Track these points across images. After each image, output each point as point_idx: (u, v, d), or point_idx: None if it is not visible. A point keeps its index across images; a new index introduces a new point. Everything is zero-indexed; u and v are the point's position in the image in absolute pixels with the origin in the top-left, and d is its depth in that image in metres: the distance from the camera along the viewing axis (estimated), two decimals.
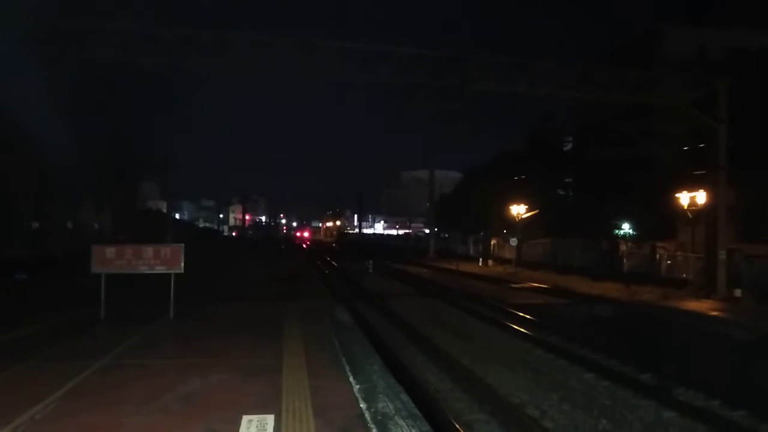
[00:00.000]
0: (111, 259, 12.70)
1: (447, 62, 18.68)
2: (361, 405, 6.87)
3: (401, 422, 6.52)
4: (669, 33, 36.33)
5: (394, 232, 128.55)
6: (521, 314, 17.43)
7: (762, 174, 25.45)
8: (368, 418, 6.43)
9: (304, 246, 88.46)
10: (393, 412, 6.86)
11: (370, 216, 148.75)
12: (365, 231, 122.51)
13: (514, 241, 35.13)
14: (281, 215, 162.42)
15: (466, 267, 36.00)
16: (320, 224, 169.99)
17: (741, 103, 22.71)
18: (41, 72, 17.27)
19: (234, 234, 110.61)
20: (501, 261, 39.19)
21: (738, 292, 19.69)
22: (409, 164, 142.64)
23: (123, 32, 16.60)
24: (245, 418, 6.26)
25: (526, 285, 26.06)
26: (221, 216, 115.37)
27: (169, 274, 12.92)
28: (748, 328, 15.01)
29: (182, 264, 12.87)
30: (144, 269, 12.85)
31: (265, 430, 5.96)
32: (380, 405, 7.06)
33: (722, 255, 20.29)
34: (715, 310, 17.66)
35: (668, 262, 25.86)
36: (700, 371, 11.07)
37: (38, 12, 16.10)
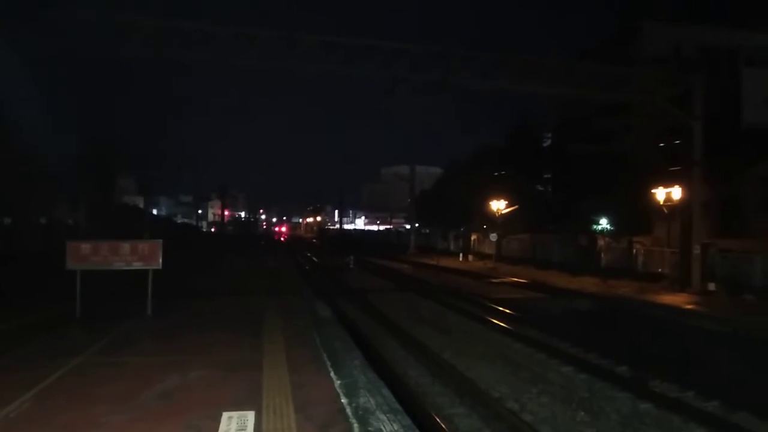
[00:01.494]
0: (86, 256, 12.48)
1: (429, 57, 18.67)
2: (342, 400, 6.86)
3: (382, 416, 6.53)
4: (646, 30, 36.79)
5: (374, 227, 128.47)
6: (501, 309, 17.58)
7: (735, 170, 26.01)
8: (349, 413, 6.43)
9: (282, 240, 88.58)
10: (374, 406, 6.87)
11: (350, 211, 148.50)
12: (346, 227, 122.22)
13: (494, 237, 35.37)
14: (261, 211, 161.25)
15: (446, 262, 36.19)
16: (300, 220, 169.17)
17: (716, 100, 23.14)
18: (16, 64, 16.84)
19: (213, 230, 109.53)
20: (481, 256, 39.46)
21: (712, 286, 20.09)
22: (390, 160, 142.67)
23: (101, 22, 16.24)
24: (225, 415, 6.21)
25: (506, 280, 26.28)
26: (200, 211, 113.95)
27: (147, 271, 12.75)
28: (721, 321, 15.35)
29: (160, 260, 12.70)
30: (121, 265, 12.65)
31: (246, 426, 5.92)
32: (361, 400, 7.07)
33: (697, 250, 20.68)
34: (689, 303, 18.01)
35: (643, 257, 26.27)
36: (674, 363, 11.28)
37: (16, 3, 15.68)
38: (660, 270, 24.14)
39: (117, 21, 16.32)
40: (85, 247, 12.63)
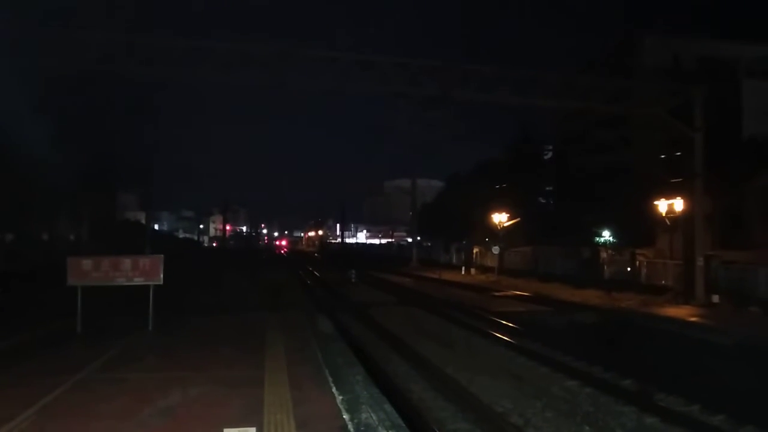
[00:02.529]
0: (87, 271, 12.47)
1: (428, 71, 18.79)
2: (344, 416, 6.81)
3: None
4: (645, 43, 37.09)
5: (376, 241, 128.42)
6: (504, 322, 17.49)
7: (737, 181, 26.00)
8: (351, 430, 6.37)
9: (283, 252, 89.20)
10: (376, 422, 6.80)
11: (352, 225, 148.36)
12: (348, 240, 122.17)
13: (496, 250, 35.28)
14: (262, 225, 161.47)
15: (448, 276, 36.06)
16: (302, 234, 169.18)
17: (716, 111, 23.20)
18: (18, 81, 16.99)
19: (214, 244, 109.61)
20: (483, 269, 39.33)
21: (716, 298, 19.97)
22: (392, 173, 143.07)
23: (101, 41, 16.41)
24: None
25: (509, 293, 26.16)
26: (201, 226, 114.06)
27: (148, 286, 12.73)
28: (725, 334, 15.23)
29: (161, 275, 12.68)
30: (122, 281, 12.64)
31: None
32: (363, 416, 7.00)
33: (700, 261, 20.59)
34: (693, 316, 17.89)
35: (647, 269, 26.16)
36: (680, 376, 11.18)
37: (17, 20, 15.88)
38: (663, 282, 24.02)
39: (117, 40, 16.48)
40: (86, 262, 12.63)
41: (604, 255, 30.06)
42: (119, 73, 18.06)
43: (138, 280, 12.65)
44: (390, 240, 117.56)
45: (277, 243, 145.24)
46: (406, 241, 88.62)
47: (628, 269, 27.07)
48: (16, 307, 16.49)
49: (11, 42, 15.56)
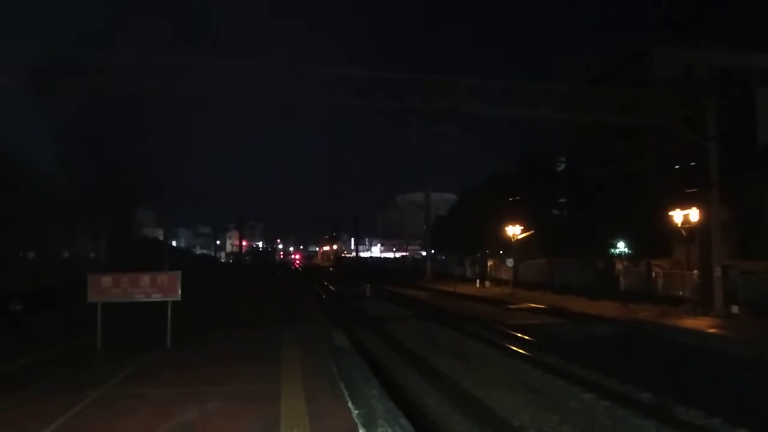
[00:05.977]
0: (107, 288, 12.70)
1: (439, 86, 18.93)
2: (360, 430, 6.85)
3: None
4: (657, 53, 37.00)
5: (390, 255, 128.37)
6: (519, 335, 17.40)
7: (753, 190, 25.71)
8: None
9: (297, 266, 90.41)
10: None
11: (366, 239, 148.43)
12: (362, 254, 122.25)
13: (510, 262, 35.12)
14: (278, 240, 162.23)
15: (463, 288, 35.94)
16: (317, 248, 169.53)
17: (730, 119, 23.06)
18: (38, 103, 17.46)
19: (231, 260, 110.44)
20: (498, 282, 39.12)
21: (735, 309, 19.69)
22: (405, 187, 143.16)
23: (121, 61, 16.82)
24: None
25: (524, 305, 26.01)
26: (218, 242, 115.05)
27: (166, 302, 12.91)
28: (746, 345, 15.00)
29: (179, 291, 12.86)
30: (141, 297, 12.84)
31: None
32: (379, 430, 7.05)
33: (717, 272, 20.32)
34: (712, 327, 17.65)
35: (663, 280, 25.87)
36: (700, 389, 11.04)
37: (37, 44, 16.36)
38: (680, 293, 23.72)
39: (135, 60, 16.88)
40: (106, 279, 12.86)
41: (619, 266, 29.77)
42: (136, 92, 18.45)
43: (156, 297, 12.85)
44: (404, 254, 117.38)
45: (292, 257, 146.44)
46: (421, 254, 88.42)
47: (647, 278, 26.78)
48: (38, 324, 16.77)
49: (31, 65, 16.01)
